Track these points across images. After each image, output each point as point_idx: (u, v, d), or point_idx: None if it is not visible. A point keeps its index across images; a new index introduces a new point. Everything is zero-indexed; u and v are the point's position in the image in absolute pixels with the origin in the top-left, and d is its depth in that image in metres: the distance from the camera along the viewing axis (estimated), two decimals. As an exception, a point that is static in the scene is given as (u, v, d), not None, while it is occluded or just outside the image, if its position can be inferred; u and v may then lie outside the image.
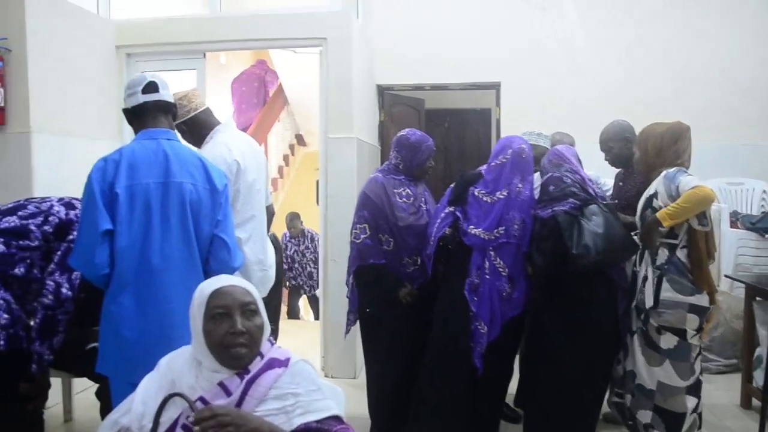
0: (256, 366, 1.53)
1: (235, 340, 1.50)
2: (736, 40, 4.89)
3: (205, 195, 2.12)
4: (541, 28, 5.05)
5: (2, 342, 2.19)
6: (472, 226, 2.74)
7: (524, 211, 2.76)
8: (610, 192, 3.35)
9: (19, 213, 2.34)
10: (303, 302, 7.09)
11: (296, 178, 8.87)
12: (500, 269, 2.72)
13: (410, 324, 2.91)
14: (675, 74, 4.90)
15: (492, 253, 2.73)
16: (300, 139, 9.06)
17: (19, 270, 2.26)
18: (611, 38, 4.99)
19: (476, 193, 2.80)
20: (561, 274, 2.62)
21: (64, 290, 2.25)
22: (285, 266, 6.38)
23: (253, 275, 2.67)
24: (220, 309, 1.52)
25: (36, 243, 2.30)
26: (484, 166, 2.95)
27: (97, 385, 2.69)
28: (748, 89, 4.86)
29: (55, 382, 2.93)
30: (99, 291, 2.06)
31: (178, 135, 2.36)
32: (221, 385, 1.50)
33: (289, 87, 7.74)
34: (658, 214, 2.55)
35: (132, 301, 2.00)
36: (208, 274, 2.03)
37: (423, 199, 3.01)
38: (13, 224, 2.30)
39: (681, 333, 2.58)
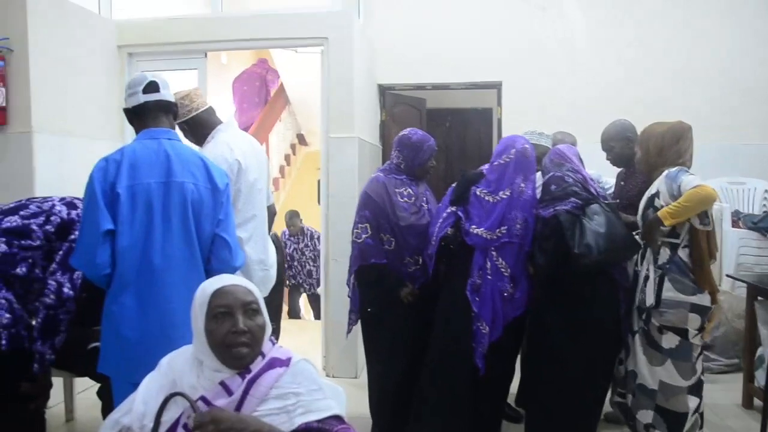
0: (257, 365, 1.53)
1: (236, 339, 1.50)
2: (736, 40, 4.88)
3: (206, 194, 2.12)
4: (541, 27, 5.05)
5: (4, 341, 2.19)
6: (474, 226, 2.74)
7: (526, 211, 2.76)
8: (612, 191, 3.35)
9: (21, 213, 2.35)
10: (303, 301, 7.09)
11: (297, 177, 8.87)
12: (502, 269, 2.72)
13: (412, 324, 2.91)
14: (676, 74, 4.90)
15: (494, 253, 2.73)
16: (301, 139, 9.06)
17: (20, 269, 2.27)
18: (612, 38, 4.99)
19: (478, 193, 2.80)
20: (563, 273, 2.62)
21: (65, 290, 2.26)
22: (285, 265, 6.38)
23: (254, 275, 2.67)
24: (222, 308, 1.52)
25: (38, 243, 2.30)
26: (486, 166, 2.95)
27: (98, 385, 2.69)
28: (749, 89, 4.85)
29: (57, 382, 2.93)
30: (100, 291, 2.06)
31: (180, 134, 2.36)
32: (222, 384, 1.50)
33: (290, 86, 7.75)
34: (659, 213, 2.55)
35: (133, 300, 2.00)
36: (209, 274, 2.04)
37: (424, 198, 3.00)
38: (14, 224, 2.31)
39: (683, 332, 2.58)
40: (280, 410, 1.49)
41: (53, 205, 2.40)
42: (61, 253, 2.30)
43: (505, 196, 2.75)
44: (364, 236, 2.87)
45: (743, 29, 4.88)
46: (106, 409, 2.40)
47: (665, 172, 2.61)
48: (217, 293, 1.55)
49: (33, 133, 3.46)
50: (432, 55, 5.14)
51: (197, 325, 1.54)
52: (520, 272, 2.76)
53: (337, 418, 1.54)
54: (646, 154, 2.75)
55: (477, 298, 2.71)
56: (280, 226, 6.31)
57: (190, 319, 1.59)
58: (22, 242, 2.29)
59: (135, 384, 1.59)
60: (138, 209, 2.01)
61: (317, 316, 6.16)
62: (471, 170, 2.98)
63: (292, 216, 6.50)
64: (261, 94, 7.42)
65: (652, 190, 2.68)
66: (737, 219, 4.54)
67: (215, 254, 2.14)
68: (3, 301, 2.22)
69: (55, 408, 3.35)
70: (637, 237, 2.74)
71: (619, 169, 3.37)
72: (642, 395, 2.68)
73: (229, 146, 2.64)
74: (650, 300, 2.61)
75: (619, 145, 3.21)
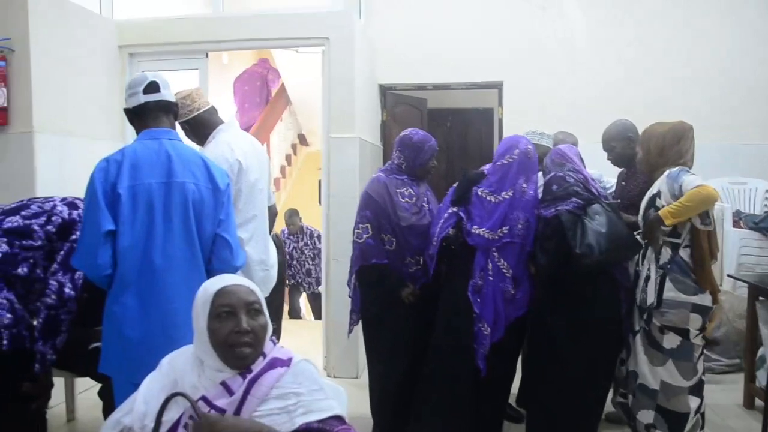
0: (258, 365, 1.53)
1: (239, 339, 1.50)
2: (737, 40, 4.88)
3: (207, 194, 2.12)
4: (542, 28, 5.05)
5: (5, 342, 2.19)
6: (475, 227, 2.74)
7: (528, 211, 2.76)
8: (613, 191, 3.35)
9: (22, 213, 2.35)
10: (304, 301, 7.08)
11: (298, 177, 8.87)
12: (504, 270, 2.72)
13: (413, 324, 2.91)
14: (676, 74, 4.90)
15: (495, 254, 2.73)
16: (302, 139, 9.06)
17: (22, 270, 2.27)
18: (612, 38, 4.99)
19: (480, 193, 2.80)
20: (564, 273, 2.62)
21: (67, 290, 2.26)
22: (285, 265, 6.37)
23: (255, 275, 2.67)
24: (226, 308, 1.52)
25: (39, 243, 2.30)
26: (487, 166, 2.95)
27: (99, 385, 2.69)
28: (750, 89, 4.85)
29: (58, 382, 2.93)
30: (102, 291, 2.06)
31: (182, 134, 2.36)
32: (224, 384, 1.50)
33: (291, 87, 7.75)
34: (660, 212, 2.55)
35: (135, 301, 2.00)
36: (210, 274, 2.04)
37: (425, 198, 3.00)
38: (16, 224, 2.31)
39: (684, 333, 2.58)
40: (281, 410, 1.49)
41: (54, 206, 2.40)
42: (62, 253, 2.30)
43: (507, 197, 2.75)
44: (365, 236, 2.87)
45: (744, 29, 4.88)
46: (107, 410, 2.40)
47: (666, 172, 2.61)
48: (220, 293, 1.55)
49: (34, 133, 3.46)
50: (433, 55, 5.14)
51: (199, 324, 1.54)
52: (521, 273, 2.76)
53: (338, 419, 1.53)
54: (647, 154, 2.75)
55: (478, 299, 2.71)
56: (279, 226, 6.30)
57: (191, 320, 1.59)
58: (24, 242, 2.29)
59: (136, 384, 1.59)
60: (139, 209, 2.01)
61: (318, 316, 6.16)
62: (472, 170, 2.98)
63: (292, 215, 6.48)
64: (262, 94, 7.42)
65: (653, 190, 2.67)
66: (738, 219, 4.54)
67: (216, 254, 2.14)
68: (4, 302, 2.22)
69: (57, 408, 3.35)
70: (638, 237, 2.74)
71: (620, 169, 3.36)
72: (643, 395, 2.68)
73: (229, 146, 2.64)
74: (651, 300, 2.60)
75: (621, 145, 3.21)
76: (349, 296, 3.10)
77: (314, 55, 4.61)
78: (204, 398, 1.48)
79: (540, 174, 2.94)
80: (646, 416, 2.67)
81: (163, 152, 2.08)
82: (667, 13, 4.94)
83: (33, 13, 3.46)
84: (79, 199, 2.41)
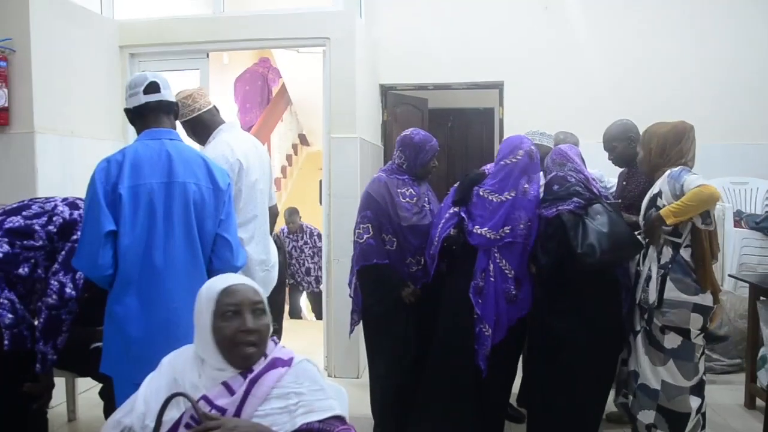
0: (259, 365, 1.54)
1: (245, 338, 1.51)
2: (740, 40, 4.87)
3: (208, 194, 2.12)
4: (543, 27, 5.05)
5: (7, 342, 2.20)
6: (477, 226, 2.74)
7: (531, 211, 2.75)
8: (614, 191, 3.35)
9: (24, 213, 2.35)
10: (305, 301, 7.07)
11: (299, 177, 8.88)
12: (506, 271, 2.72)
13: (413, 324, 2.91)
14: (678, 73, 4.89)
15: (497, 254, 2.72)
16: (303, 139, 9.07)
17: (23, 270, 2.28)
18: (614, 37, 4.98)
19: (481, 193, 2.80)
20: (565, 273, 2.62)
21: (68, 290, 2.26)
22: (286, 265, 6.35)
23: (255, 275, 2.67)
24: (232, 307, 1.53)
25: (40, 243, 2.31)
26: (488, 166, 2.94)
27: (100, 385, 2.70)
28: (752, 89, 4.84)
29: (59, 382, 2.93)
30: (103, 291, 2.06)
31: (183, 134, 2.36)
32: (225, 384, 1.50)
33: (292, 86, 7.74)
34: (661, 212, 2.54)
35: (136, 301, 2.00)
36: (210, 274, 2.04)
37: (426, 198, 3.00)
38: (17, 224, 2.31)
39: (685, 332, 2.58)
40: (282, 410, 1.49)
41: (56, 206, 2.40)
42: (63, 253, 2.30)
43: (510, 197, 2.74)
44: (365, 236, 2.87)
45: (747, 29, 4.87)
46: (108, 410, 2.40)
47: (668, 172, 2.61)
48: (226, 292, 1.55)
49: (35, 134, 3.46)
50: (434, 55, 5.14)
51: (203, 322, 1.54)
52: (523, 273, 2.75)
53: (339, 419, 1.54)
54: (648, 154, 2.74)
55: (480, 300, 2.71)
56: (279, 225, 6.29)
57: (192, 319, 1.59)
58: (25, 242, 2.29)
59: (137, 384, 1.59)
60: (140, 210, 2.01)
61: (319, 316, 6.16)
62: (473, 170, 2.98)
63: (292, 213, 6.47)
64: (263, 93, 7.42)
65: (654, 190, 2.67)
66: (739, 219, 4.54)
67: (217, 254, 2.15)
68: (5, 302, 2.22)
69: (58, 408, 3.36)
70: (639, 237, 2.73)
71: (621, 169, 3.36)
72: (644, 395, 2.68)
73: (230, 146, 2.64)
74: (652, 300, 2.60)
75: (622, 145, 3.21)
76: (350, 296, 3.10)
77: (315, 55, 4.61)
78: (205, 397, 1.48)
79: (540, 174, 2.94)
80: (647, 416, 2.67)
81: (163, 152, 2.08)
82: (669, 14, 4.93)
83: (34, 14, 3.46)
84: (80, 199, 2.41)
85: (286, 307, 6.43)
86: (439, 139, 3.10)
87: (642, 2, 4.97)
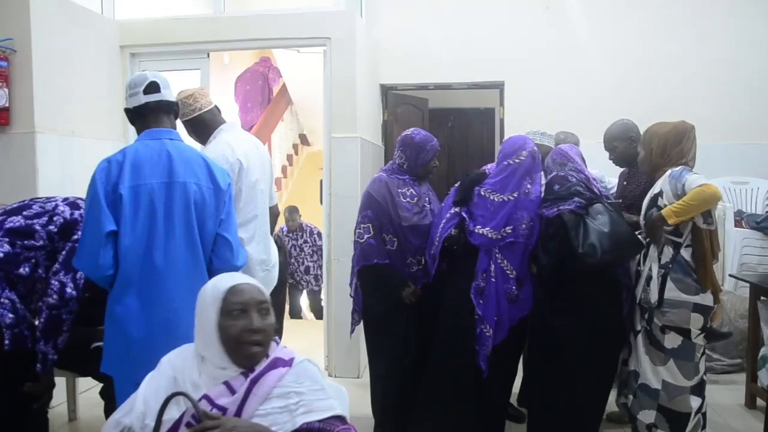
0: (261, 365, 1.54)
1: (251, 337, 1.51)
2: (739, 40, 4.87)
3: (208, 194, 2.12)
4: (543, 27, 5.05)
5: (7, 341, 2.20)
6: (478, 226, 2.74)
7: (532, 211, 2.75)
8: (615, 191, 3.35)
9: (24, 213, 2.35)
10: (305, 301, 7.06)
11: (300, 177, 8.88)
12: (507, 271, 2.72)
13: (414, 324, 2.91)
14: (679, 73, 4.89)
15: (498, 255, 2.72)
16: (303, 139, 9.07)
17: (24, 269, 2.28)
18: (614, 37, 4.98)
19: (482, 192, 2.79)
20: (566, 272, 2.62)
21: (68, 290, 2.26)
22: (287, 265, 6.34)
23: (255, 275, 2.66)
24: (239, 305, 1.53)
25: (41, 243, 2.31)
26: (488, 166, 2.94)
27: (101, 385, 2.70)
28: (752, 89, 4.84)
29: (60, 382, 2.94)
30: (103, 291, 2.06)
31: (184, 132, 2.36)
32: (226, 383, 1.50)
33: (292, 86, 7.75)
34: (663, 212, 2.54)
35: (136, 301, 2.00)
36: (211, 274, 2.04)
37: (427, 198, 3.00)
38: (18, 224, 2.31)
39: (685, 332, 2.57)
40: (282, 409, 1.49)
41: (56, 206, 2.40)
42: (64, 253, 2.30)
43: (513, 198, 2.74)
44: (366, 236, 2.87)
45: (747, 29, 4.87)
46: (109, 409, 2.40)
47: (669, 172, 2.60)
48: (233, 290, 1.55)
49: (36, 134, 3.46)
50: (434, 55, 5.14)
51: (207, 321, 1.54)
52: (525, 273, 2.75)
53: (339, 418, 1.54)
54: (648, 154, 2.74)
55: (481, 301, 2.71)
56: (280, 224, 6.28)
57: (193, 319, 1.59)
58: (25, 242, 2.29)
59: (137, 384, 1.59)
60: (141, 210, 2.01)
61: (318, 315, 6.15)
62: (474, 170, 2.98)
63: (292, 211, 6.45)
64: (264, 93, 7.42)
65: (655, 190, 2.67)
66: (740, 219, 4.54)
67: (217, 254, 2.15)
68: (6, 301, 2.22)
69: (58, 407, 3.36)
70: (640, 236, 2.73)
71: (621, 169, 3.36)
72: (644, 395, 2.68)
73: (230, 146, 2.64)
74: (653, 299, 2.60)
75: (622, 144, 3.21)
76: (351, 296, 3.10)
77: (316, 55, 4.61)
78: (206, 397, 1.48)
79: (541, 174, 2.93)
80: (647, 416, 2.67)
81: (164, 152, 2.08)
82: (670, 14, 4.93)
83: (35, 14, 3.46)
84: (80, 199, 2.41)
85: (287, 307, 6.42)
86: (439, 139, 3.11)
87: (643, 2, 4.97)
